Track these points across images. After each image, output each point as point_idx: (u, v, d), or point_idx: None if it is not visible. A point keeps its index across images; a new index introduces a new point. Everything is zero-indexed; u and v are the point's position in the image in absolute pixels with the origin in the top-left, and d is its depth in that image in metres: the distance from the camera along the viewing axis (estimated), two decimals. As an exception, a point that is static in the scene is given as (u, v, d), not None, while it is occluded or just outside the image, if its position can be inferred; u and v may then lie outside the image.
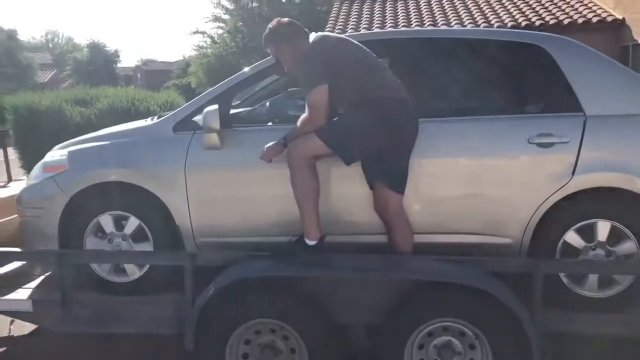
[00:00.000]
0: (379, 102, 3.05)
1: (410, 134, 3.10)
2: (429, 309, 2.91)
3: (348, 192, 3.29)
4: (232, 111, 3.65)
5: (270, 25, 3.26)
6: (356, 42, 3.18)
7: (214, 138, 3.24)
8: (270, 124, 3.55)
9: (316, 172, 3.07)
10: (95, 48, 41.75)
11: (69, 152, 3.57)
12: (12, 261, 3.70)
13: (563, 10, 13.36)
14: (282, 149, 3.10)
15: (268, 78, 3.91)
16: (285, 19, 3.28)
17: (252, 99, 4.22)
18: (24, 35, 50.31)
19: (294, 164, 3.04)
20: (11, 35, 36.10)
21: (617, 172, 3.06)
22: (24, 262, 3.81)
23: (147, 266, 3.47)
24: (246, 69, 3.60)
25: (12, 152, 9.90)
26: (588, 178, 3.08)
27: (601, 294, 3.13)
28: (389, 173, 3.10)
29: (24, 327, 4.26)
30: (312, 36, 3.15)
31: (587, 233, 3.12)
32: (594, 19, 12.60)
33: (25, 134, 9.36)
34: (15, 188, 4.62)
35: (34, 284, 3.69)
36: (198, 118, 3.36)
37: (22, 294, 3.53)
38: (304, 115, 3.08)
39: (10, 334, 4.12)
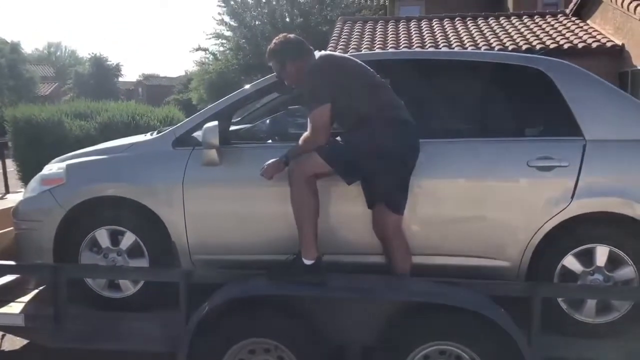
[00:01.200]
0: (380, 122, 3.05)
1: (411, 154, 3.09)
2: (425, 332, 2.87)
3: (347, 211, 3.28)
4: (232, 128, 3.64)
5: (275, 40, 3.25)
6: (359, 62, 3.19)
7: (212, 154, 3.23)
8: (269, 141, 3.55)
9: (316, 190, 3.06)
10: (97, 62, 41.96)
11: (67, 166, 3.56)
12: (5, 274, 3.66)
13: (563, 35, 13.47)
14: (283, 167, 3.09)
15: (268, 96, 3.92)
16: (291, 35, 3.29)
17: (252, 116, 4.22)
18: (26, 47, 50.69)
19: (295, 181, 3.03)
20: (14, 47, 36.27)
21: (616, 197, 3.05)
22: (18, 276, 3.77)
23: (142, 283, 3.44)
24: (247, 86, 3.61)
25: (10, 164, 9.89)
26: (587, 202, 3.08)
27: (599, 320, 3.10)
28: (388, 193, 3.08)
29: (15, 342, 4.22)
30: (317, 54, 3.16)
31: (586, 258, 3.10)
32: (594, 44, 12.70)
33: (25, 146, 9.35)
34: (13, 200, 4.59)
35: (27, 298, 3.65)
36: (197, 134, 3.36)
37: (15, 307, 3.50)
38: (305, 134, 3.08)
39: (1, 349, 4.06)
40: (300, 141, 3.09)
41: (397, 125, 3.07)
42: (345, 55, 3.32)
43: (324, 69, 3.07)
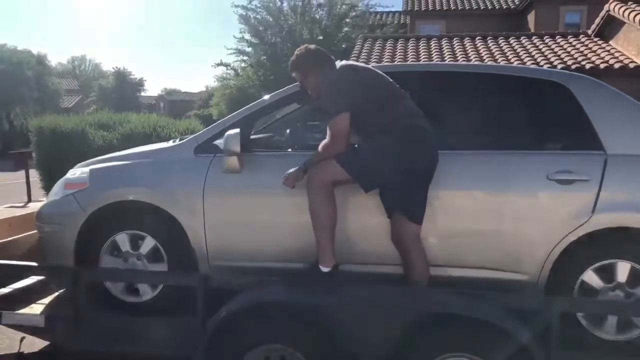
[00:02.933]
0: (399, 131, 3.08)
1: (429, 163, 3.10)
2: (442, 343, 2.86)
3: (365, 221, 3.28)
4: (252, 136, 3.68)
5: (297, 52, 3.32)
6: (380, 72, 3.22)
7: (234, 161, 3.26)
8: (290, 150, 3.58)
9: (334, 199, 3.08)
10: (121, 76, 42.66)
11: (91, 170, 3.63)
12: (28, 276, 3.72)
13: (585, 55, 13.42)
14: (302, 175, 3.12)
15: (288, 107, 3.96)
16: (313, 46, 3.35)
17: (273, 126, 4.26)
18: (51, 60, 51.76)
19: (313, 189, 3.06)
20: (41, 59, 36.97)
21: (637, 212, 3.02)
22: (40, 278, 3.82)
23: (160, 287, 3.47)
24: (266, 97, 3.66)
25: (33, 174, 10.05)
26: (607, 217, 3.05)
27: (620, 337, 3.05)
28: (407, 202, 3.09)
29: (34, 345, 4.26)
30: (338, 64, 3.20)
31: (606, 273, 3.06)
32: (616, 65, 12.63)
33: (48, 155, 9.50)
34: (35, 209, 4.67)
35: (47, 299, 3.70)
36: (219, 142, 3.40)
37: (36, 309, 3.54)
38: (324, 141, 3.11)
39: (20, 351, 4.11)
40: (320, 148, 3.12)
41: (416, 134, 3.09)
42: (366, 65, 3.36)
43: (345, 77, 3.11)
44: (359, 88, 3.08)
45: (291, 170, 3.14)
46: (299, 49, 3.34)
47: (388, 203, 3.15)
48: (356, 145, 3.14)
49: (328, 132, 3.08)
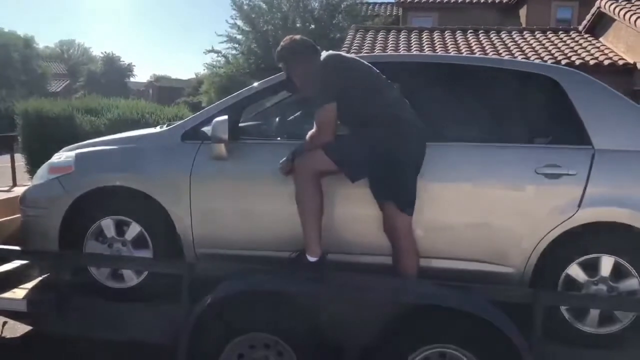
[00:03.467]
0: (386, 121, 3.07)
1: (417, 153, 3.10)
2: (426, 334, 2.87)
3: (352, 211, 3.28)
4: (241, 124, 3.66)
5: (282, 42, 3.30)
6: (366, 63, 3.21)
7: (221, 148, 3.24)
8: (278, 138, 3.56)
9: (321, 188, 3.07)
10: (110, 61, 42.28)
11: (76, 155, 3.58)
12: (11, 260, 3.68)
13: (575, 51, 13.49)
14: (291, 164, 3.11)
15: (277, 95, 3.93)
16: (298, 36, 3.33)
17: (262, 114, 4.23)
18: (40, 42, 50.84)
19: (299, 179, 3.05)
20: (28, 42, 36.50)
21: (623, 207, 3.04)
22: (23, 262, 3.79)
23: (145, 274, 3.44)
24: (255, 84, 3.63)
25: (19, 158, 9.94)
26: (594, 212, 3.06)
27: (602, 331, 3.08)
28: (396, 193, 3.08)
29: (16, 330, 4.23)
30: (324, 54, 3.18)
31: (591, 267, 3.09)
32: (606, 62, 12.71)
33: (34, 139, 9.42)
34: (19, 193, 4.62)
35: (30, 284, 3.66)
36: (207, 128, 3.37)
37: (18, 293, 3.51)
38: (311, 131, 3.10)
39: (2, 335, 4.08)
40: (307, 138, 3.12)
41: (402, 124, 3.08)
42: (352, 55, 3.35)
43: (331, 68, 3.10)
44: (345, 78, 3.07)
45: (283, 160, 3.15)
46: (284, 39, 3.33)
47: (378, 194, 3.14)
48: (343, 135, 3.13)
49: (315, 122, 3.07)
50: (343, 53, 3.25)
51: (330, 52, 3.24)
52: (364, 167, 3.08)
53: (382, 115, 3.08)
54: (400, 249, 3.12)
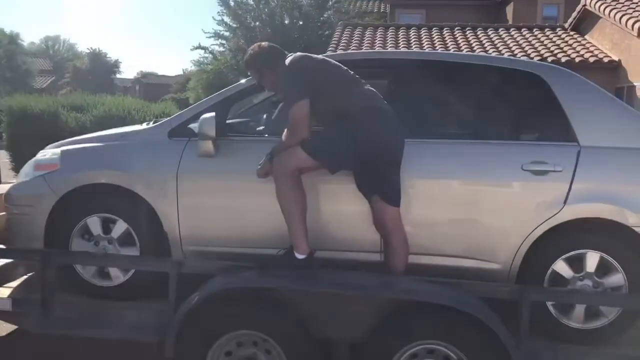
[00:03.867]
0: (359, 112, 3.07)
1: (394, 142, 3.10)
2: (414, 331, 2.87)
3: (339, 208, 3.28)
4: (228, 121, 3.64)
5: (250, 50, 3.33)
6: (333, 61, 3.23)
7: (208, 145, 3.22)
8: (266, 135, 3.55)
9: (302, 185, 3.07)
10: (96, 57, 41.90)
11: (62, 152, 3.55)
12: (-5, 258, 3.64)
13: (561, 48, 13.57)
14: (270, 164, 3.11)
15: (265, 92, 3.92)
16: (265, 43, 3.35)
17: (250, 111, 4.22)
18: (25, 39, 50.18)
19: (279, 177, 3.05)
20: (13, 39, 36.09)
21: (608, 203, 3.07)
22: (8, 260, 3.74)
23: (132, 271, 3.42)
24: (243, 81, 3.62)
25: (3, 155, 9.85)
26: (579, 208, 3.09)
27: (588, 326, 3.11)
28: (380, 186, 3.09)
29: (1, 328, 4.19)
30: (290, 56, 3.19)
31: (577, 263, 3.11)
32: (591, 59, 12.81)
33: (18, 136, 9.32)
34: (4, 190, 4.57)
35: (15, 283, 3.63)
36: (194, 125, 3.36)
37: (3, 292, 3.47)
38: (286, 131, 3.11)
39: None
40: (283, 138, 3.12)
41: (376, 113, 3.09)
42: (318, 56, 3.32)
43: (298, 66, 3.11)
44: (313, 75, 3.08)
45: (260, 162, 3.14)
46: (251, 47, 3.35)
47: (364, 189, 3.15)
48: (319, 131, 3.13)
49: (289, 121, 3.07)
50: (309, 54, 3.25)
51: (297, 53, 3.24)
52: (342, 158, 3.08)
53: (355, 107, 3.08)
54: (391, 242, 3.14)
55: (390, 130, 3.09)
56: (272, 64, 3.21)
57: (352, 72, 3.18)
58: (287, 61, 3.14)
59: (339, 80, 3.14)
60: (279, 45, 3.34)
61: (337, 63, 3.21)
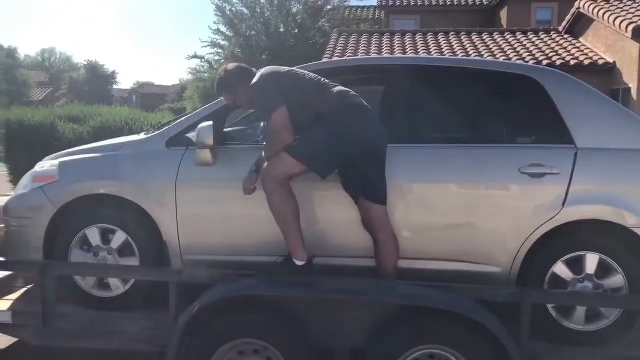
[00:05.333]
0: (338, 112, 3.07)
1: (376, 139, 3.09)
2: (415, 336, 2.87)
3: (335, 214, 3.29)
4: (226, 129, 3.65)
5: (218, 75, 3.36)
6: (299, 70, 3.27)
7: (206, 154, 3.23)
8: (264, 143, 3.55)
9: (292, 192, 3.07)
10: (93, 68, 41.89)
11: (60, 163, 3.55)
12: (-6, 271, 3.63)
13: (556, 52, 13.62)
14: (255, 177, 3.12)
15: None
16: (231, 65, 3.38)
17: (247, 119, 4.23)
18: (21, 52, 50.15)
19: (269, 187, 3.04)
20: (10, 52, 36.16)
21: (607, 205, 3.08)
22: (7, 273, 3.74)
23: (132, 282, 3.42)
24: None
25: (1, 167, 9.83)
26: (578, 210, 3.10)
27: (588, 328, 3.11)
28: (365, 185, 3.10)
29: (1, 341, 4.17)
30: (259, 72, 3.20)
31: (576, 265, 3.12)
32: (586, 62, 12.85)
33: (16, 148, 9.32)
34: (2, 202, 4.57)
35: (15, 295, 3.61)
36: (192, 134, 3.36)
37: (2, 305, 3.46)
38: (268, 139, 3.12)
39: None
40: (266, 148, 3.12)
41: (355, 110, 3.10)
42: (285, 67, 3.33)
43: (268, 77, 3.12)
44: (285, 83, 3.10)
45: (244, 178, 3.15)
46: (218, 73, 3.38)
47: (349, 190, 3.17)
48: (302, 136, 3.12)
49: (271, 131, 3.08)
50: (276, 66, 3.27)
51: (264, 68, 3.26)
52: (330, 161, 3.08)
53: (331, 108, 3.08)
54: (379, 241, 3.14)
55: (371, 125, 3.10)
56: (241, 83, 3.22)
57: (320, 77, 3.19)
58: (255, 78, 3.15)
59: (310, 85, 3.14)
60: (246, 64, 3.38)
61: (302, 71, 3.24)
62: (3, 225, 3.70)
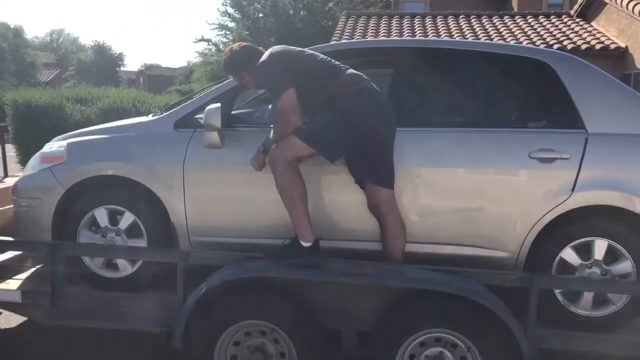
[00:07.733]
0: (349, 96, 3.05)
1: (385, 124, 3.08)
2: (422, 319, 2.89)
3: (343, 197, 3.28)
4: (234, 112, 3.64)
5: (224, 56, 3.33)
6: (308, 50, 3.22)
7: (214, 136, 3.22)
8: (272, 126, 3.53)
9: (300, 174, 3.06)
10: (100, 50, 41.88)
11: (68, 144, 3.55)
12: (4, 251, 3.65)
13: (567, 36, 13.46)
14: (263, 157, 3.11)
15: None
16: (237, 45, 3.34)
17: (255, 101, 4.21)
18: (29, 33, 50.11)
19: (277, 169, 3.03)
20: (17, 32, 36.12)
21: (616, 190, 3.05)
22: (16, 253, 3.76)
23: (140, 263, 3.43)
24: None
25: (10, 148, 9.86)
26: (587, 195, 3.07)
27: (596, 313, 3.10)
28: (373, 169, 3.08)
29: (11, 321, 4.23)
30: (267, 51, 3.17)
31: (584, 251, 3.10)
32: (597, 46, 12.69)
33: (24, 130, 9.36)
34: (11, 183, 4.59)
35: (24, 275, 3.65)
36: (200, 116, 3.35)
37: (12, 284, 3.49)
38: (276, 122, 3.10)
39: (-2, 326, 4.07)
40: (274, 130, 3.10)
41: (365, 95, 3.07)
42: (295, 47, 3.29)
43: (277, 58, 3.09)
44: (295, 64, 3.07)
45: (252, 156, 3.14)
46: (225, 53, 3.35)
47: (356, 174, 3.15)
48: (312, 119, 3.11)
49: (278, 113, 3.05)
50: (285, 46, 3.23)
51: (274, 47, 3.22)
52: (340, 145, 3.07)
53: (342, 91, 3.06)
54: (386, 225, 3.13)
55: (381, 110, 3.08)
56: (248, 64, 3.19)
57: (331, 59, 3.16)
58: (264, 57, 3.12)
59: (321, 67, 3.11)
60: (273, 38, 3.36)
61: (313, 52, 3.20)
62: (12, 206, 3.72)
